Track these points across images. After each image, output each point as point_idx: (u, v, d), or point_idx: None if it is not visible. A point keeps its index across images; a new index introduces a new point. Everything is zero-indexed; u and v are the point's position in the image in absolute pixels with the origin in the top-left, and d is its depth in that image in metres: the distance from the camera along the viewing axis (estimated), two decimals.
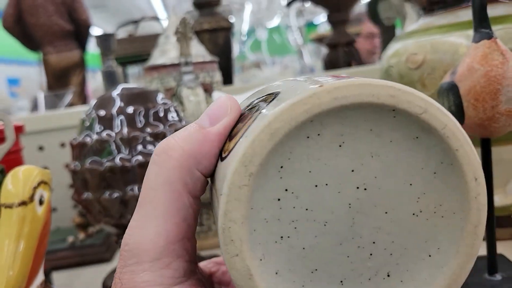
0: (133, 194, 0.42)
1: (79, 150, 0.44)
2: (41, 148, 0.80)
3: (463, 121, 0.36)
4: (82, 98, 1.11)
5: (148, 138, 0.43)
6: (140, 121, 0.44)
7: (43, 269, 0.36)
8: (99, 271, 0.59)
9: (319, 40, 1.15)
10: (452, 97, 0.36)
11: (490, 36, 0.34)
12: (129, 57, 1.13)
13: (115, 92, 0.47)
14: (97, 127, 0.44)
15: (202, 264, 0.26)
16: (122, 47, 1.17)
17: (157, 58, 0.65)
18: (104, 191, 0.42)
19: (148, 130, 0.43)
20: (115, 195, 0.42)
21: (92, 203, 0.43)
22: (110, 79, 0.98)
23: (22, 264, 0.32)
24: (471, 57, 0.34)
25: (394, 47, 0.56)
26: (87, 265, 0.63)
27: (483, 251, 0.41)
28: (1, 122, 0.43)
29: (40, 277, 0.34)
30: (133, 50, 1.17)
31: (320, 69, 1.30)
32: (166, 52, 0.64)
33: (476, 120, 0.34)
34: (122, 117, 0.44)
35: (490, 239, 0.40)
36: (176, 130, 0.44)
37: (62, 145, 0.80)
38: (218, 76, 0.65)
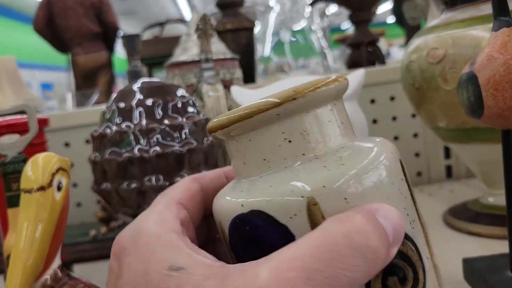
0: (150, 184, 0.42)
1: (99, 141, 0.45)
2: (67, 145, 0.82)
3: (483, 112, 0.35)
4: (108, 97, 1.14)
5: (167, 130, 0.44)
6: (159, 113, 0.45)
7: (61, 256, 0.37)
8: None
9: (343, 41, 1.14)
10: (471, 87, 0.35)
11: (509, 24, 0.33)
12: (154, 58, 1.16)
13: (135, 85, 0.48)
14: (117, 119, 0.45)
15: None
16: (148, 49, 1.19)
17: (179, 55, 0.66)
18: (122, 181, 0.43)
19: (166, 121, 0.44)
20: (133, 185, 0.43)
21: (111, 194, 0.44)
22: (135, 79, 1.00)
23: (39, 248, 0.32)
24: (490, 46, 0.34)
25: (415, 42, 0.55)
26: (108, 258, 0.64)
27: (505, 248, 0.40)
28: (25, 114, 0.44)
29: (56, 262, 0.35)
30: (159, 52, 1.19)
31: (344, 70, 1.30)
32: (188, 49, 0.65)
33: (496, 110, 0.34)
34: (141, 109, 0.44)
35: None
36: (194, 123, 0.45)
37: (87, 141, 0.82)
38: (238, 73, 0.66)
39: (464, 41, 0.48)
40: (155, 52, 1.14)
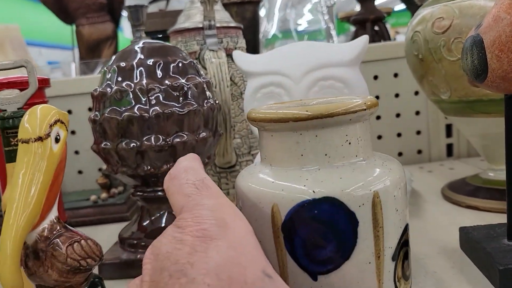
0: (149, 144, 0.42)
1: (100, 100, 0.45)
2: (69, 112, 0.82)
3: (486, 76, 0.34)
4: None
5: (167, 90, 0.43)
6: (160, 73, 0.44)
7: (63, 219, 0.37)
8: (118, 229, 0.60)
9: (348, 18, 1.13)
10: (476, 50, 0.35)
11: None
12: (158, 32, 1.14)
13: (137, 45, 0.47)
14: (117, 78, 0.44)
15: None
16: (153, 22, 1.18)
17: (182, 22, 0.65)
18: (121, 140, 0.43)
19: (167, 82, 0.44)
20: (132, 144, 0.43)
21: (110, 153, 0.44)
22: None
23: (37, 197, 0.33)
24: (497, 7, 0.33)
25: (421, 13, 0.55)
26: (108, 223, 0.65)
27: (503, 218, 0.40)
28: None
29: (53, 213, 0.35)
30: (163, 25, 1.18)
31: None
32: (191, 16, 0.65)
33: (500, 73, 0.33)
34: (141, 68, 0.44)
35: (510, 206, 0.39)
36: (195, 85, 0.45)
37: (90, 109, 0.82)
38: (242, 43, 0.65)
39: (471, 10, 0.47)
40: (160, 26, 1.12)
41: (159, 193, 0.47)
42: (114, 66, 0.45)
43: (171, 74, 0.44)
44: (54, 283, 0.34)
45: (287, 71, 0.43)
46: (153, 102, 0.43)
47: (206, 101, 0.46)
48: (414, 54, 0.55)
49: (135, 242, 0.47)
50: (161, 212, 0.48)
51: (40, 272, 0.34)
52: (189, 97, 0.44)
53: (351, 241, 0.25)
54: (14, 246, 0.31)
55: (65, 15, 1.21)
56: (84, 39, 1.12)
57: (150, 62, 0.44)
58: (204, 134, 0.45)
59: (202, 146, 0.46)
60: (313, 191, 0.25)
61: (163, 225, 0.47)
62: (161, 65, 0.44)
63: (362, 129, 0.27)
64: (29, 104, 0.51)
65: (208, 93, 0.47)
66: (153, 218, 0.48)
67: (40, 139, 0.33)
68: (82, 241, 0.35)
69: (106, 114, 0.43)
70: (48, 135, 0.34)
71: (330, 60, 0.43)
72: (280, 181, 0.26)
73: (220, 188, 0.62)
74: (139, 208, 0.50)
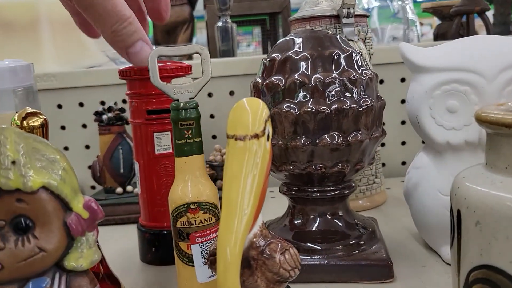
0: (326, 142, 0.39)
1: (268, 92, 0.41)
2: None
3: None
4: None
5: (345, 84, 0.40)
6: (336, 65, 0.41)
7: None
8: None
9: (433, 9, 1.07)
10: None
11: None
12: (242, 17, 1.11)
13: (300, 36, 0.44)
14: (287, 69, 0.41)
15: None
16: (238, 6, 1.14)
17: (307, 9, 0.61)
18: (294, 137, 0.40)
19: (344, 75, 0.40)
20: (307, 141, 0.39)
21: (278, 149, 0.41)
22: (225, 35, 0.96)
23: (254, 200, 0.30)
24: None
25: None
26: None
27: None
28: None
29: (261, 218, 0.32)
30: (247, 11, 1.14)
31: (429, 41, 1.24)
32: (318, 3, 0.61)
33: None
34: (316, 60, 0.41)
35: None
36: (369, 78, 0.41)
37: None
38: (369, 32, 0.61)
39: None
40: (244, 11, 1.09)
41: (316, 194, 0.43)
42: (283, 56, 0.42)
43: (345, 66, 0.41)
44: None
45: (480, 68, 0.39)
46: (332, 97, 0.39)
47: (377, 96, 0.42)
48: None
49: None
50: (315, 214, 0.45)
51: (249, 282, 0.31)
52: (365, 92, 0.41)
53: None
54: (235, 253, 0.29)
55: None
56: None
57: (325, 52, 0.41)
58: (376, 133, 0.42)
59: (372, 145, 0.42)
60: None
61: (315, 227, 0.44)
62: (336, 55, 0.41)
63: None
64: (133, 94, 0.48)
65: (375, 88, 0.43)
66: (306, 219, 0.45)
67: (256, 136, 0.30)
68: (291, 249, 0.32)
69: (279, 108, 0.40)
70: (263, 132, 0.31)
71: None
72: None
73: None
74: None
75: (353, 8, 0.55)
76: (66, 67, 0.89)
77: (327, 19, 0.58)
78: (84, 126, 0.79)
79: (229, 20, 0.95)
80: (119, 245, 0.56)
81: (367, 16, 0.61)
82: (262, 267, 0.31)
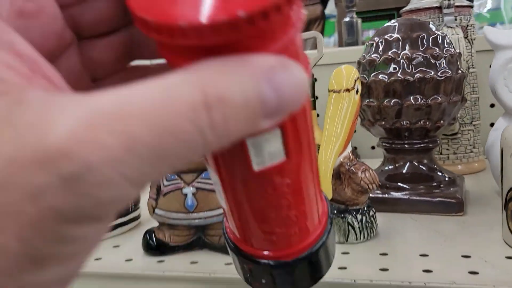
0: (410, 103, 0.52)
1: (367, 65, 0.55)
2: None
3: None
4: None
5: (427, 58, 0.52)
6: (421, 44, 0.53)
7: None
8: None
9: None
10: None
11: None
12: (371, 12, 1.23)
13: (396, 22, 0.56)
14: (383, 48, 0.54)
15: None
16: (366, 3, 1.27)
17: (415, 2, 0.72)
18: (385, 99, 0.53)
19: (428, 51, 0.52)
20: (395, 101, 0.52)
21: (373, 108, 0.54)
22: (351, 30, 1.09)
23: (345, 132, 0.44)
24: None
25: None
26: None
27: None
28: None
29: (349, 148, 0.46)
30: (375, 6, 1.26)
31: None
32: None
33: None
34: (406, 40, 0.53)
35: None
36: (451, 55, 0.52)
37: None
38: (472, 21, 0.70)
39: None
40: (370, 7, 1.21)
41: (406, 146, 0.56)
42: (381, 39, 0.55)
43: (430, 45, 0.53)
44: (347, 198, 0.46)
45: None
46: (416, 68, 0.52)
47: (458, 69, 0.53)
48: None
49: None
50: (404, 162, 0.57)
51: (339, 189, 0.46)
52: (445, 65, 0.52)
53: None
54: (330, 165, 0.43)
55: None
56: None
57: (413, 35, 0.53)
58: (455, 98, 0.53)
59: (452, 108, 0.53)
60: None
61: (404, 171, 0.57)
62: (423, 37, 0.53)
63: None
64: None
65: (458, 63, 0.54)
66: (396, 165, 0.57)
67: (347, 90, 0.45)
68: (370, 170, 0.46)
69: (375, 77, 0.53)
70: (353, 87, 0.45)
71: None
72: None
73: (441, 153, 0.68)
74: None
75: (454, 0, 0.65)
76: None
77: (432, 10, 0.69)
78: None
79: (354, 16, 1.09)
80: None
81: (471, 7, 0.70)
82: (349, 180, 0.45)
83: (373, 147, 0.90)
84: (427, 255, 0.42)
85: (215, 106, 0.12)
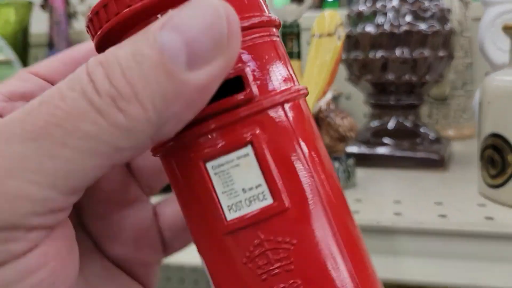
0: (395, 56, 0.51)
1: (355, 18, 0.54)
2: None
3: None
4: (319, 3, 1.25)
5: (415, 11, 0.51)
6: None
7: None
8: None
9: None
10: None
11: None
12: None
13: None
14: (372, 0, 0.53)
15: None
16: None
17: None
18: (371, 52, 0.53)
19: (416, 4, 0.51)
20: (381, 55, 0.52)
21: (359, 62, 0.54)
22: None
23: (325, 76, 0.44)
24: None
25: None
26: None
27: None
28: None
29: (328, 95, 0.46)
30: None
31: None
32: None
33: None
34: None
35: None
36: (439, 10, 0.51)
37: None
38: None
39: None
40: None
41: (391, 102, 0.55)
42: None
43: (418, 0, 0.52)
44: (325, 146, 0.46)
45: None
46: (403, 21, 0.51)
47: (446, 25, 0.53)
48: None
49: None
50: (389, 118, 0.56)
51: None
52: (434, 19, 0.51)
53: None
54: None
55: None
56: None
57: None
58: (442, 53, 0.52)
59: (438, 63, 0.53)
60: None
61: (389, 127, 0.56)
62: None
63: None
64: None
65: (448, 18, 0.53)
66: (382, 122, 0.57)
67: (329, 34, 0.44)
68: (349, 118, 0.45)
69: (362, 29, 0.53)
70: (334, 33, 0.44)
71: None
72: None
73: (430, 117, 0.68)
74: None
75: None
76: None
77: None
78: None
79: None
80: None
81: None
82: (327, 126, 0.45)
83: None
84: (400, 202, 0.42)
85: (95, 69, 0.12)
